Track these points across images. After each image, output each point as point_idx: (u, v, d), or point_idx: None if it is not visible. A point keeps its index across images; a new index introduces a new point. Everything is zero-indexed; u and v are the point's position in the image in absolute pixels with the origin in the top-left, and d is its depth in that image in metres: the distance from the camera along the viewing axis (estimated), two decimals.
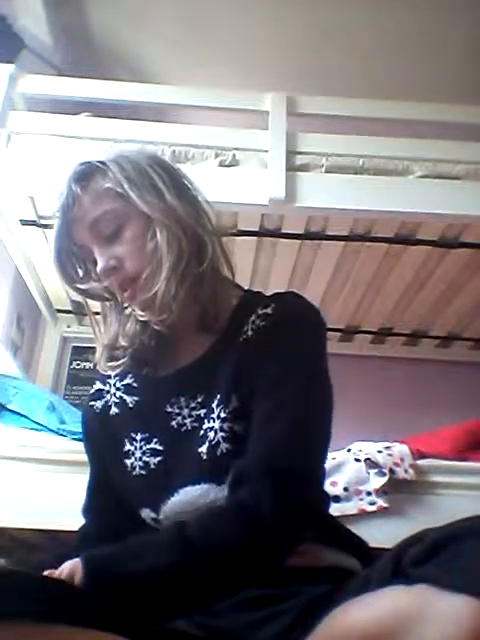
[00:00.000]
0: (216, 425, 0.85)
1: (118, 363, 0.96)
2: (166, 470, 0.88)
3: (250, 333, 0.90)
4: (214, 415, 0.86)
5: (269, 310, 0.89)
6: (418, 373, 2.80)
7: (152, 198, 0.94)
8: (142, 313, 0.93)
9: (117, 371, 0.97)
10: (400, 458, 1.72)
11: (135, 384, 0.97)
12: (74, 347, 2.83)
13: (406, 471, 1.70)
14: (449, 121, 2.21)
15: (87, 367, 2.78)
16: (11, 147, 1.97)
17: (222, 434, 0.85)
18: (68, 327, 2.82)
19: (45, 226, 2.15)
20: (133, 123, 2.02)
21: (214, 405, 0.87)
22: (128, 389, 0.97)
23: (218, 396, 0.87)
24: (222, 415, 0.86)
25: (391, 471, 1.68)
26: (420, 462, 1.76)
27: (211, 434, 0.85)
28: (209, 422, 0.87)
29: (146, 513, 0.90)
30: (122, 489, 0.93)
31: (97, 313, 1.08)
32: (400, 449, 1.76)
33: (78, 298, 1.06)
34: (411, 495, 1.70)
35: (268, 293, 0.98)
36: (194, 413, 0.90)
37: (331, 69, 2.82)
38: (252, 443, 0.81)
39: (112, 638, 0.61)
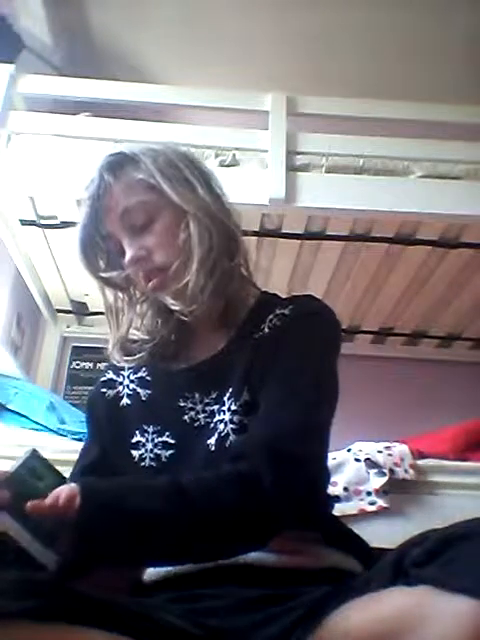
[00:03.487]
0: (226, 417, 0.86)
1: (135, 357, 0.97)
2: (176, 463, 0.88)
3: (266, 331, 0.92)
4: (225, 408, 0.87)
5: (287, 311, 0.92)
6: (418, 373, 2.80)
7: (185, 191, 0.95)
8: (174, 302, 0.93)
9: (133, 364, 0.97)
10: (400, 458, 1.72)
11: (149, 377, 0.98)
12: (74, 347, 2.82)
13: (406, 471, 1.70)
14: (449, 121, 2.21)
15: (87, 367, 2.78)
16: (11, 147, 1.97)
17: (232, 426, 0.85)
18: (68, 327, 2.81)
19: (45, 226, 2.15)
20: (133, 123, 2.02)
21: (225, 398, 0.88)
22: (142, 382, 0.98)
23: (230, 389, 0.88)
24: (233, 408, 0.87)
25: (391, 471, 1.68)
26: (420, 462, 1.76)
27: (221, 426, 0.86)
28: (220, 415, 0.88)
29: None
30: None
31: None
32: (400, 449, 1.76)
33: (88, 292, 1.10)
34: (411, 495, 1.70)
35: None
36: (208, 408, 0.90)
37: (331, 69, 2.82)
38: (260, 423, 0.82)
39: (111, 636, 0.61)
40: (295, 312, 0.92)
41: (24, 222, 2.14)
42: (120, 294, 1.01)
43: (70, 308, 2.69)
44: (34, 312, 2.70)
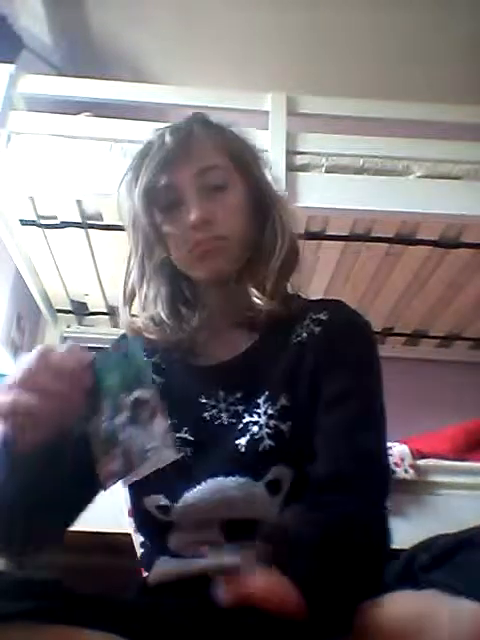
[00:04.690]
0: (262, 420, 0.84)
1: (160, 336, 0.93)
2: (193, 461, 0.86)
3: (304, 335, 0.90)
4: (260, 411, 0.85)
5: (323, 316, 0.91)
6: (418, 373, 2.80)
7: (261, 175, 0.98)
8: (257, 294, 0.90)
9: (156, 337, 0.93)
10: (400, 458, 1.72)
11: (163, 365, 0.95)
12: None
13: (406, 471, 1.70)
14: (449, 121, 2.21)
15: None
16: (11, 147, 1.97)
17: (267, 430, 0.84)
18: (68, 327, 2.81)
19: (45, 226, 2.15)
20: (133, 123, 2.02)
21: (260, 401, 0.86)
22: (156, 368, 0.94)
23: (266, 393, 0.86)
24: (269, 412, 0.85)
25: (391, 471, 1.68)
26: (420, 462, 1.76)
27: (254, 428, 0.84)
28: (252, 416, 0.85)
29: (154, 499, 0.87)
30: None
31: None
32: (400, 449, 1.75)
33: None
34: (411, 495, 1.70)
35: None
36: (232, 408, 0.88)
37: (331, 69, 2.82)
38: (335, 449, 0.81)
39: (110, 637, 0.61)
40: (334, 320, 0.91)
41: (24, 222, 2.14)
42: (156, 256, 0.95)
43: (70, 308, 2.69)
44: (34, 312, 2.69)
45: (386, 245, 2.22)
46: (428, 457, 1.80)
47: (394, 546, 0.73)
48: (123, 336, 0.78)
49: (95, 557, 1.90)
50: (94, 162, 1.92)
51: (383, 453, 0.86)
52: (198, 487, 0.84)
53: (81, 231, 2.16)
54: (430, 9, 2.62)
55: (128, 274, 0.97)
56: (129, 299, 0.96)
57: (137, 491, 0.90)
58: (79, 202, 2.04)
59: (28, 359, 0.71)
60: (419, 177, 1.99)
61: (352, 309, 0.96)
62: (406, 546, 0.76)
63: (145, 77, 2.73)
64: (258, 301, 0.90)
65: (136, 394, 0.71)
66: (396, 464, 1.70)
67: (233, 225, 0.92)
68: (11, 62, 2.18)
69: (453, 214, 1.98)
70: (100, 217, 2.11)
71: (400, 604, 0.61)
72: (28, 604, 0.56)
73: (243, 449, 0.83)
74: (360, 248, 2.24)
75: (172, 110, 2.51)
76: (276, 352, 0.90)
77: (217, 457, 0.85)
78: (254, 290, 0.91)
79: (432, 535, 0.70)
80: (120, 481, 0.70)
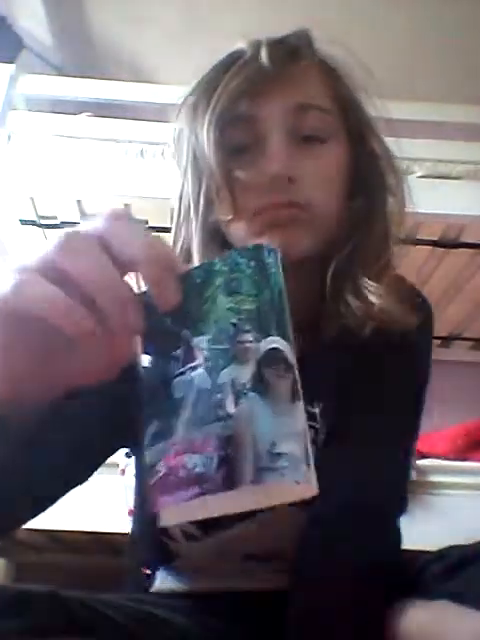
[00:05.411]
0: (317, 425, 0.73)
1: None
2: None
3: (356, 336, 0.71)
4: (317, 424, 0.74)
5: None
6: None
7: (375, 139, 0.76)
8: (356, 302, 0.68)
9: None
10: None
11: None
12: None
13: None
14: (449, 121, 2.21)
15: None
16: (11, 147, 1.97)
17: (322, 436, 0.73)
18: None
19: (45, 226, 2.15)
20: (133, 123, 2.02)
21: (313, 402, 0.75)
22: None
23: (321, 405, 0.73)
24: (321, 416, 0.74)
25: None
26: (420, 462, 1.75)
27: (311, 433, 0.74)
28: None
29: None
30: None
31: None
32: None
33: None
34: (411, 495, 1.69)
35: None
36: None
37: None
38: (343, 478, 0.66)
39: None
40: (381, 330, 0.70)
41: (24, 222, 2.14)
42: (221, 212, 0.69)
43: None
44: None
45: None
46: (428, 457, 1.80)
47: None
48: (256, 246, 0.42)
49: (95, 557, 1.90)
50: (94, 162, 1.92)
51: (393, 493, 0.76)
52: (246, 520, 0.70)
53: None
54: (431, 9, 2.62)
55: (178, 237, 0.74)
56: None
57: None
58: (79, 202, 2.04)
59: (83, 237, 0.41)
60: (419, 177, 1.99)
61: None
62: (406, 546, 0.75)
63: (145, 77, 2.73)
64: (359, 312, 0.68)
65: (272, 343, 0.39)
66: None
67: (322, 194, 0.68)
68: (11, 62, 2.17)
69: (453, 214, 1.97)
70: None
71: (411, 614, 0.60)
72: (25, 621, 0.53)
73: None
74: None
75: (172, 110, 2.52)
76: (329, 352, 0.73)
77: None
78: (352, 296, 0.69)
79: (432, 535, 0.70)
80: (188, 513, 0.38)
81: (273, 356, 0.38)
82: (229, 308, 0.40)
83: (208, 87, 0.71)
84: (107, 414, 0.63)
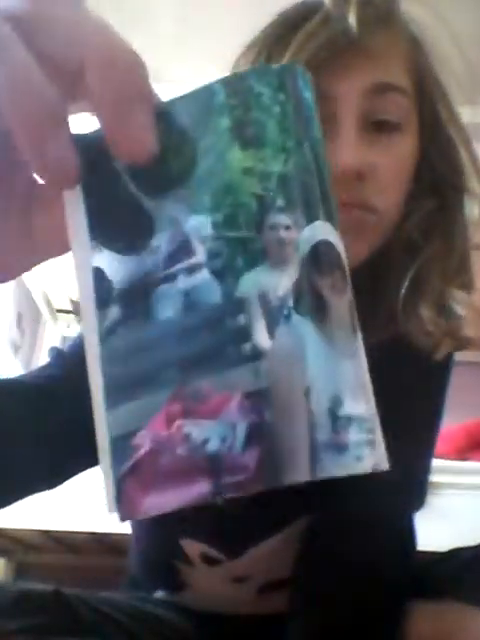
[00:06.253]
0: None
1: None
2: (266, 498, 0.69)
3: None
4: None
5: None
6: None
7: (453, 124, 0.66)
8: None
9: None
10: None
11: None
12: None
13: None
14: None
15: None
16: None
17: None
18: (68, 327, 2.81)
19: None
20: None
21: None
22: None
23: None
24: None
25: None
26: None
27: None
28: None
29: (198, 547, 0.68)
30: None
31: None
32: None
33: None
34: None
35: None
36: None
37: None
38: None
39: None
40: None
41: None
42: None
43: (70, 308, 2.69)
44: (34, 312, 2.69)
45: None
46: None
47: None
48: (285, 66, 0.27)
49: (95, 557, 1.90)
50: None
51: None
52: (269, 539, 0.66)
53: None
54: (431, 9, 2.62)
55: None
56: None
57: (165, 522, 0.64)
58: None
59: None
60: None
61: None
62: None
63: None
64: (431, 327, 0.60)
65: (322, 233, 0.23)
66: None
67: (393, 195, 0.58)
68: None
69: None
70: None
71: (420, 615, 0.59)
72: (28, 620, 0.54)
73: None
74: None
75: None
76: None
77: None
78: (426, 309, 0.60)
79: (431, 535, 0.70)
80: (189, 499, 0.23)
81: (325, 254, 0.23)
82: (246, 169, 0.24)
83: (272, 46, 0.56)
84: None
